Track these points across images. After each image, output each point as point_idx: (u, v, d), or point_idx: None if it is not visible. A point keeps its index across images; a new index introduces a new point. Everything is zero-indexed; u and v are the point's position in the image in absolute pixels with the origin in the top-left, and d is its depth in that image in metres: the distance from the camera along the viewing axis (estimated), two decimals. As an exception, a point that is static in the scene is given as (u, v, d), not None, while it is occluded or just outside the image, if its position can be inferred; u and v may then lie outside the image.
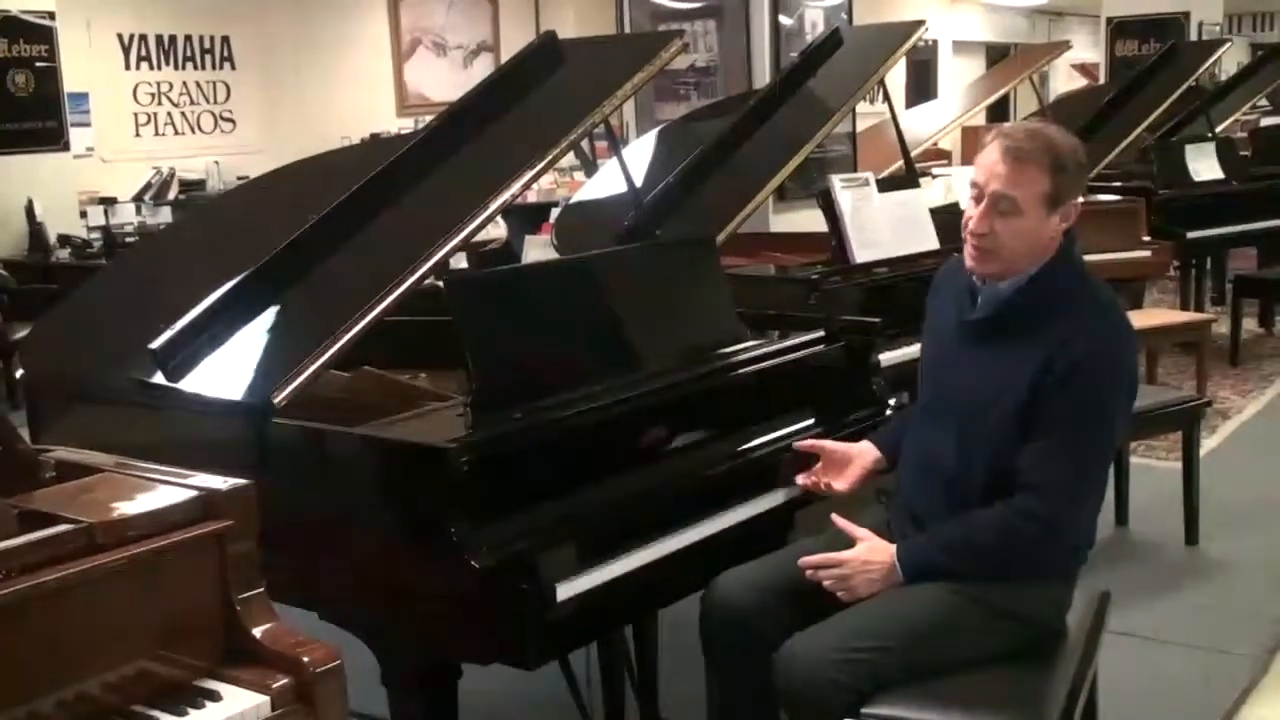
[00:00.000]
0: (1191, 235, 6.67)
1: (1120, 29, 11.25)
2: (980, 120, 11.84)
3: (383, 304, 2.38)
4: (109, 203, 8.46)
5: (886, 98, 4.66)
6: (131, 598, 1.68)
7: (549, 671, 2.36)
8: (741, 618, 2.30)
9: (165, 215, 8.59)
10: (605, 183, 4.07)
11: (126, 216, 8.48)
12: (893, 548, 2.27)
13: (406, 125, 10.40)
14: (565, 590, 2.09)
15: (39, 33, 7.89)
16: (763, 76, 5.94)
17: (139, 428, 2.61)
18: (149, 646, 1.70)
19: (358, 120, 10.22)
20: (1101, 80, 11.50)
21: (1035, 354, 2.18)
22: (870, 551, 2.27)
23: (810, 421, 2.78)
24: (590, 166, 6.01)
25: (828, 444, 2.56)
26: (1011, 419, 2.19)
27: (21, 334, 5.27)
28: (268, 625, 1.79)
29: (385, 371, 2.80)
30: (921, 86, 14.61)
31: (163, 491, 1.79)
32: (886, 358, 3.30)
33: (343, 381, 2.72)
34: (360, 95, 10.85)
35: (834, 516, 2.39)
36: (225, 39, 10.14)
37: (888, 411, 2.94)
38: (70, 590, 1.61)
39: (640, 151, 4.41)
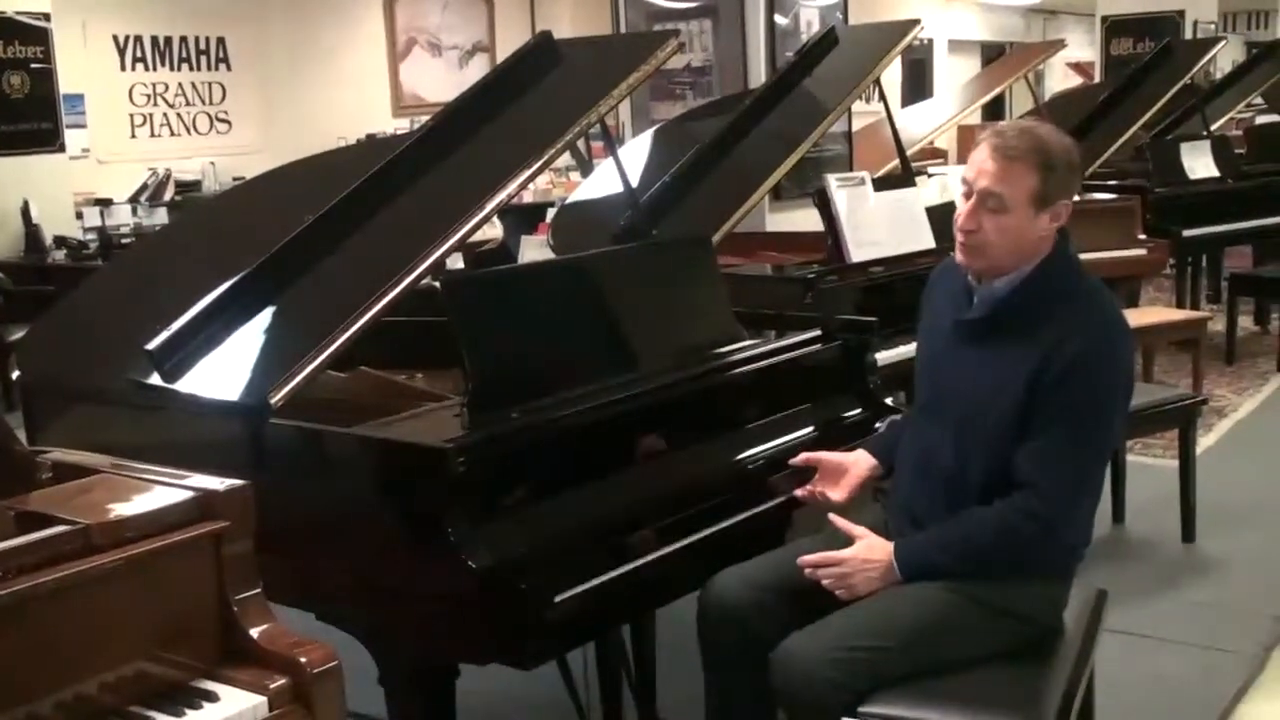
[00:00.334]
0: (1187, 233, 6.68)
1: (1115, 27, 11.27)
2: (976, 119, 11.85)
3: (379, 304, 2.38)
4: (105, 204, 8.45)
5: (882, 97, 4.66)
6: (129, 598, 1.68)
7: (547, 671, 2.36)
8: (739, 617, 2.31)
9: (161, 216, 8.59)
10: (601, 183, 4.07)
11: (122, 218, 8.47)
12: (890, 546, 2.27)
13: (402, 126, 10.40)
14: (562, 590, 2.09)
15: (34, 34, 7.88)
16: (758, 76, 5.94)
17: (136, 429, 2.61)
18: (146, 647, 1.70)
19: (353, 121, 10.21)
20: (1097, 79, 11.51)
21: (1032, 353, 2.18)
22: (869, 550, 2.27)
23: (808, 424, 2.78)
24: (586, 166, 6.02)
25: (823, 455, 2.55)
26: (1009, 419, 2.19)
27: (18, 335, 5.27)
28: (265, 626, 1.79)
29: (382, 372, 2.80)
30: (917, 85, 14.62)
31: (159, 492, 1.79)
32: (883, 357, 3.30)
33: (339, 382, 2.72)
34: (356, 96, 10.85)
35: (832, 517, 2.39)
36: (221, 40, 10.14)
37: (884, 412, 2.95)
38: (67, 591, 1.61)
39: (636, 151, 4.41)
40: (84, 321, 3.11)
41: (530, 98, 2.94)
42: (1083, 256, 6.06)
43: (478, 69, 11.45)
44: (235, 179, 8.53)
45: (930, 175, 6.03)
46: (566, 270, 2.86)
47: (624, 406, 2.47)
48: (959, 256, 2.29)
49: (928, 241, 4.19)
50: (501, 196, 2.56)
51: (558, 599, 2.08)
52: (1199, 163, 7.03)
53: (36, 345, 3.21)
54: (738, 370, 2.75)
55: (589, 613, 2.17)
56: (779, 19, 6.17)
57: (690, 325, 2.82)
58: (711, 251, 3.02)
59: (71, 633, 1.62)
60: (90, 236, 8.03)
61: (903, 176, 4.56)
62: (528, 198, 8.21)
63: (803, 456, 2.55)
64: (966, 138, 12.24)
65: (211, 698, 1.70)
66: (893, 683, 2.14)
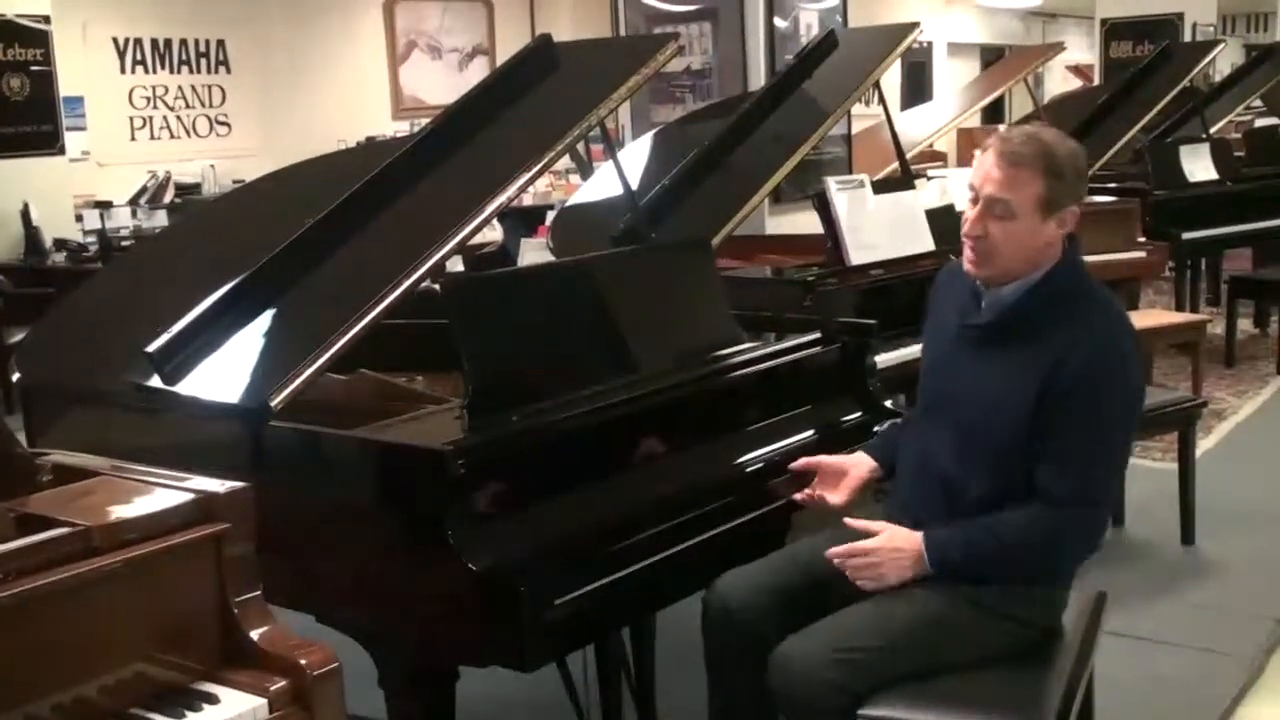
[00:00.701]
0: (1186, 236, 6.68)
1: (1114, 30, 11.27)
2: (975, 122, 11.88)
3: (379, 307, 2.39)
4: (105, 206, 8.45)
5: (882, 100, 4.67)
6: (129, 601, 1.68)
7: (546, 674, 2.36)
8: (742, 620, 2.30)
9: (161, 219, 8.58)
10: (601, 185, 4.08)
11: (122, 220, 8.47)
12: (918, 535, 2.24)
13: (402, 128, 10.40)
14: (561, 593, 2.09)
15: (34, 36, 7.88)
16: (758, 79, 5.95)
17: (136, 431, 2.61)
18: (146, 649, 1.70)
19: (353, 123, 10.22)
20: (1096, 82, 11.51)
21: (1040, 360, 2.18)
22: (896, 539, 2.25)
23: (807, 427, 2.78)
24: (586, 169, 6.01)
25: (823, 459, 2.54)
26: (1015, 426, 2.19)
27: (18, 338, 5.26)
28: (265, 628, 1.79)
29: (382, 375, 2.80)
30: (916, 88, 14.63)
31: (160, 495, 1.80)
32: (882, 359, 3.30)
33: (339, 384, 2.72)
34: (356, 98, 10.86)
35: (847, 520, 2.36)
36: (220, 42, 10.15)
37: (883, 415, 2.95)
38: (67, 593, 1.61)
39: (636, 154, 4.41)
40: (84, 324, 3.11)
41: (530, 101, 2.95)
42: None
43: (477, 72, 11.46)
44: (235, 182, 8.53)
45: (930, 178, 6.02)
46: (566, 273, 2.86)
47: (623, 409, 2.47)
48: (967, 264, 2.28)
49: (927, 244, 4.20)
50: (501, 199, 2.56)
51: (557, 601, 2.08)
52: (1198, 165, 7.04)
53: (36, 348, 3.21)
54: (737, 373, 2.75)
55: (589, 615, 2.17)
56: (778, 22, 6.18)
57: (690, 328, 2.82)
58: (711, 254, 3.02)
59: (72, 635, 1.62)
60: (90, 239, 8.03)
61: (902, 179, 4.57)
62: (528, 200, 8.22)
63: (802, 461, 2.55)
64: (966, 141, 12.27)
65: (212, 700, 1.70)
66: (892, 684, 2.14)
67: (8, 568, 1.58)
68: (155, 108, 9.77)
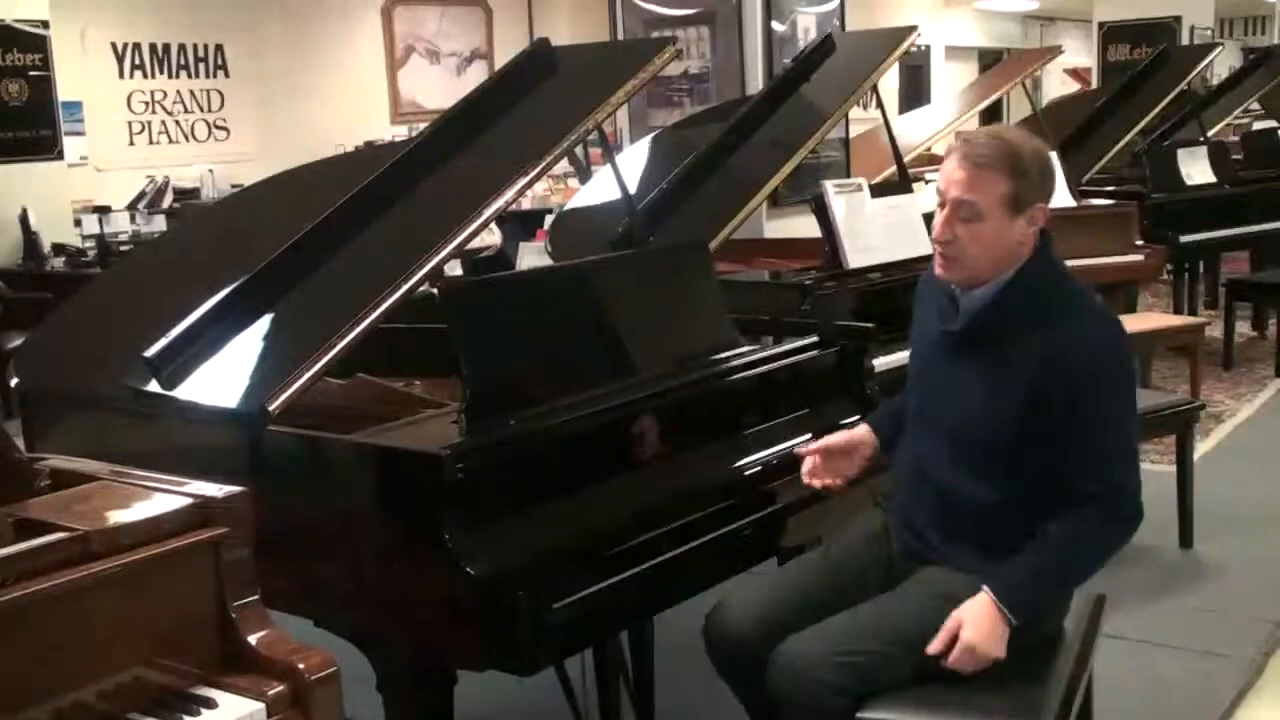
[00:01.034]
0: (1184, 239, 6.69)
1: (1112, 34, 11.30)
2: (974, 125, 11.85)
3: (377, 311, 2.39)
4: (103, 211, 8.45)
5: (879, 103, 4.67)
6: (127, 605, 1.68)
7: (545, 678, 2.36)
8: (745, 648, 2.28)
9: (160, 224, 8.58)
10: (599, 189, 4.08)
11: (121, 225, 8.47)
12: (982, 598, 2.14)
13: (400, 133, 10.40)
14: (560, 597, 2.09)
15: (33, 41, 7.88)
16: (756, 83, 5.95)
17: (134, 436, 2.61)
18: (144, 654, 1.70)
19: (352, 128, 10.22)
20: (1094, 85, 11.53)
21: (1026, 361, 2.17)
22: (972, 618, 2.14)
23: (805, 430, 2.78)
24: (585, 173, 6.02)
25: (829, 441, 2.51)
26: (1007, 429, 2.18)
27: (16, 343, 5.26)
28: (263, 632, 1.79)
29: (380, 379, 2.80)
30: (914, 92, 14.63)
31: (158, 499, 1.80)
32: (880, 362, 3.30)
33: (337, 389, 2.72)
34: (354, 103, 10.85)
35: (930, 649, 2.17)
36: (219, 47, 10.14)
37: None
38: (65, 598, 1.61)
39: (634, 158, 4.42)
40: (82, 329, 3.11)
41: (527, 105, 2.95)
42: (1080, 262, 6.04)
43: (476, 76, 11.45)
44: (234, 186, 8.52)
45: (927, 181, 6.04)
46: (564, 277, 2.86)
47: (621, 413, 2.47)
48: (938, 269, 2.28)
49: (925, 248, 4.18)
50: (499, 203, 2.57)
51: (555, 605, 2.08)
52: (1196, 168, 7.04)
53: (34, 352, 3.21)
54: (735, 377, 2.75)
55: (587, 619, 2.17)
56: (776, 26, 6.19)
57: (688, 331, 2.83)
58: (709, 258, 3.02)
59: (70, 640, 1.62)
60: (89, 244, 8.03)
61: (900, 183, 4.57)
62: (526, 204, 8.22)
63: (810, 448, 2.51)
64: (964, 144, 12.26)
65: (210, 704, 1.70)
66: (891, 688, 2.14)
67: (6, 572, 1.58)
68: (154, 112, 9.77)
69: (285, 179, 3.42)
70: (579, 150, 5.50)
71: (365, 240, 2.68)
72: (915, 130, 7.82)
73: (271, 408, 2.28)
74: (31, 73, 7.88)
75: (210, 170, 9.65)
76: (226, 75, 10.22)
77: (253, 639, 1.77)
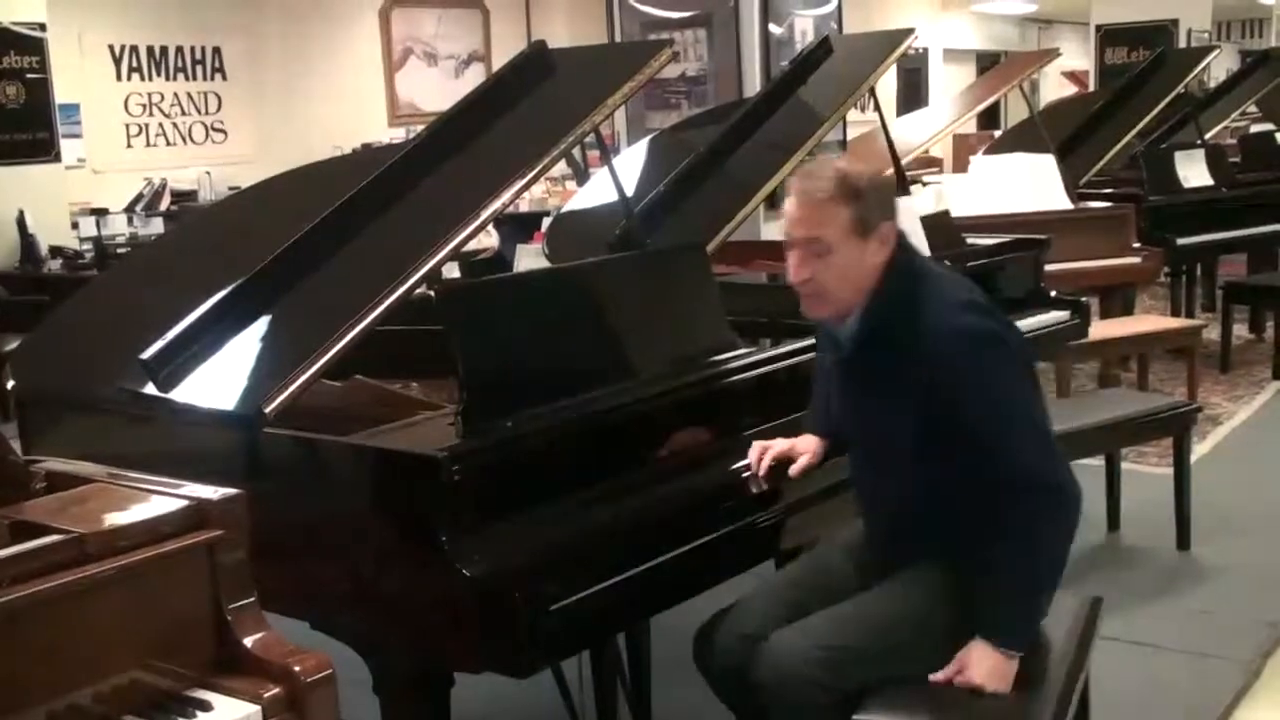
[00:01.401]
0: (1181, 242, 6.68)
1: (1109, 36, 11.31)
2: (971, 128, 11.89)
3: (374, 313, 2.39)
4: (101, 214, 8.46)
5: (877, 106, 4.67)
6: (122, 608, 1.68)
7: (542, 679, 2.36)
8: (735, 666, 2.28)
9: (157, 226, 8.59)
10: (596, 191, 4.08)
11: (118, 227, 8.48)
12: (978, 646, 2.16)
13: (398, 135, 10.40)
14: (556, 599, 2.09)
15: (30, 44, 7.88)
16: (753, 85, 5.96)
17: (130, 438, 2.61)
18: (140, 656, 1.70)
19: (349, 130, 10.22)
20: (1091, 87, 11.54)
21: (909, 374, 2.18)
22: (973, 659, 2.16)
23: (803, 432, 2.78)
24: (583, 175, 6.02)
25: (776, 447, 2.54)
26: (917, 440, 2.20)
27: (13, 345, 5.26)
28: (259, 635, 1.79)
29: (377, 381, 2.80)
30: (912, 94, 14.65)
31: (154, 502, 1.80)
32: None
33: (334, 391, 2.72)
34: (352, 105, 10.86)
35: (932, 678, 2.19)
36: (216, 50, 10.15)
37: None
38: (61, 601, 1.61)
39: (631, 160, 4.41)
40: (79, 331, 3.11)
41: (524, 107, 2.95)
42: (1077, 265, 6.03)
43: (473, 78, 11.46)
44: (231, 188, 8.52)
45: (925, 184, 6.05)
46: (561, 279, 2.86)
47: (618, 415, 2.47)
48: (804, 309, 2.30)
49: (922, 250, 4.19)
50: (496, 205, 2.57)
51: (552, 607, 2.08)
52: (1193, 171, 7.04)
53: (31, 355, 3.21)
54: (733, 378, 2.75)
55: (584, 621, 2.17)
56: (774, 28, 6.19)
57: (685, 333, 2.82)
58: (706, 260, 3.02)
59: (65, 642, 1.62)
60: (86, 246, 8.04)
61: (898, 185, 4.57)
62: (524, 206, 8.22)
63: (764, 463, 2.53)
64: (962, 146, 12.29)
65: (205, 707, 1.70)
66: (880, 688, 2.15)
67: (1, 575, 1.58)
68: (151, 115, 9.77)
69: (282, 181, 3.42)
70: (577, 152, 5.50)
71: (362, 242, 2.68)
72: (913, 133, 7.82)
73: (268, 410, 2.28)
74: (29, 75, 7.88)
75: (208, 172, 9.65)
76: (224, 78, 10.23)
77: (249, 641, 1.77)
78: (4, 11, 7.75)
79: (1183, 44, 10.57)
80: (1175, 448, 4.21)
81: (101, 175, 9.15)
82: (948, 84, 15.42)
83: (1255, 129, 9.15)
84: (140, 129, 9.72)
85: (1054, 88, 16.19)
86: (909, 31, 4.74)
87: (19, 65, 7.85)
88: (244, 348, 2.52)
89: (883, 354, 2.23)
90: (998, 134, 10.72)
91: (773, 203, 5.52)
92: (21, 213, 7.68)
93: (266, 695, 1.71)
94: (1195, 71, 7.57)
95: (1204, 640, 3.52)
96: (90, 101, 9.08)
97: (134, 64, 9.66)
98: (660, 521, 2.35)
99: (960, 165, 10.14)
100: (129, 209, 8.93)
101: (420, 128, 3.16)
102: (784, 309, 3.70)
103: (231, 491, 1.81)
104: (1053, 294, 4.52)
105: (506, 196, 2.59)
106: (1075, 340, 4.62)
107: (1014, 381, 2.20)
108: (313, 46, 10.75)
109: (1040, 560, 2.18)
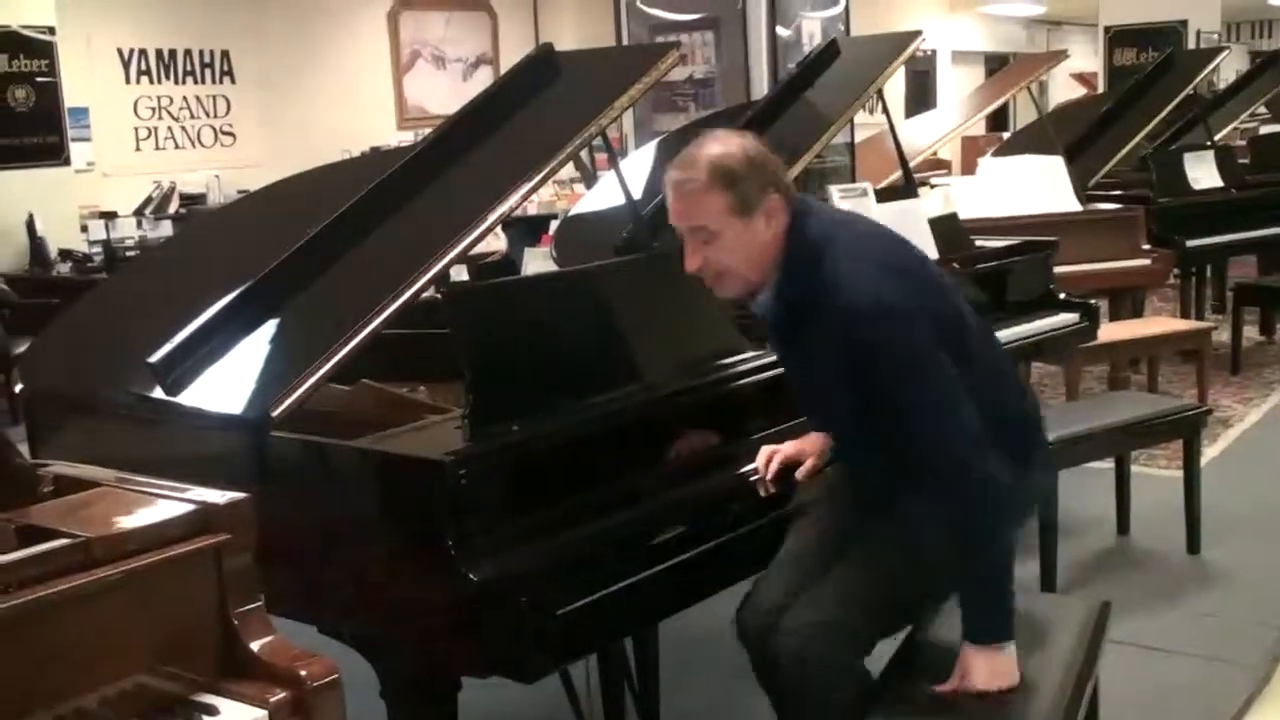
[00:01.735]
0: (1191, 244, 6.67)
1: (1118, 38, 11.29)
2: (980, 130, 11.87)
3: (381, 317, 2.39)
4: (110, 217, 8.48)
5: (885, 108, 4.67)
6: (129, 612, 1.67)
7: (549, 683, 2.36)
8: (766, 646, 2.28)
9: (166, 229, 8.61)
10: (604, 195, 4.08)
11: (127, 231, 8.50)
12: (965, 652, 2.16)
13: (406, 138, 10.43)
14: (563, 603, 2.09)
15: (39, 48, 7.91)
16: (761, 87, 5.96)
17: (137, 442, 2.61)
18: (146, 660, 1.70)
19: (358, 133, 10.24)
20: (1100, 89, 11.52)
21: (827, 341, 2.17)
22: (969, 664, 2.16)
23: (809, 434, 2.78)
24: (591, 178, 6.01)
25: (785, 451, 2.54)
26: (849, 401, 2.21)
27: (22, 348, 5.27)
28: (266, 639, 1.78)
29: (384, 385, 2.80)
30: (920, 96, 14.64)
31: (161, 506, 1.79)
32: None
33: (341, 394, 2.72)
34: (360, 108, 10.88)
35: (938, 689, 2.21)
36: (225, 53, 10.18)
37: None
38: (68, 605, 1.61)
39: (639, 163, 4.41)
40: (87, 335, 3.12)
41: (532, 110, 2.95)
42: (1087, 267, 6.01)
43: (481, 81, 11.47)
44: (240, 192, 8.54)
45: (933, 186, 6.03)
46: (569, 282, 2.86)
47: (625, 419, 2.47)
48: (716, 292, 2.32)
49: (931, 252, 4.18)
50: (504, 209, 2.57)
51: (559, 612, 2.07)
52: (1203, 173, 7.02)
53: (39, 358, 3.21)
54: (740, 382, 2.75)
55: (591, 626, 2.17)
56: (781, 31, 6.19)
57: (692, 337, 2.82)
58: (713, 263, 3.01)
59: (72, 646, 1.62)
60: (95, 249, 8.06)
61: (905, 187, 4.56)
62: (532, 209, 8.22)
63: (773, 467, 2.53)
64: (970, 148, 12.27)
65: (211, 711, 1.69)
66: (894, 700, 2.16)
67: (8, 579, 1.58)
68: (160, 118, 9.80)
69: (291, 185, 3.42)
70: (585, 155, 5.49)
71: (370, 246, 2.68)
72: (921, 135, 7.81)
73: (275, 414, 2.28)
74: (38, 79, 7.91)
75: (216, 176, 9.68)
76: (233, 81, 10.26)
77: (255, 645, 1.77)
78: (13, 15, 7.78)
79: (1192, 45, 10.54)
80: (1185, 450, 4.19)
81: (110, 178, 9.18)
82: (956, 86, 15.41)
83: (1265, 130, 9.12)
84: (149, 132, 9.75)
85: (1062, 89, 16.16)
86: (917, 33, 4.74)
87: (29, 69, 7.88)
88: (251, 351, 2.53)
89: (804, 321, 2.23)
90: (1006, 136, 10.71)
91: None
92: (31, 216, 7.71)
93: (273, 700, 1.70)
94: (1204, 73, 7.55)
95: (1214, 644, 3.50)
96: (99, 105, 9.11)
97: (143, 67, 9.69)
98: (667, 525, 2.34)
99: (969, 167, 10.12)
100: (138, 212, 8.95)
101: (428, 130, 3.17)
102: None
103: (238, 495, 1.80)
104: (1062, 296, 4.51)
105: (514, 199, 2.59)
106: (1085, 343, 4.61)
107: (924, 357, 2.12)
108: (321, 50, 10.77)
109: (986, 550, 2.15)
